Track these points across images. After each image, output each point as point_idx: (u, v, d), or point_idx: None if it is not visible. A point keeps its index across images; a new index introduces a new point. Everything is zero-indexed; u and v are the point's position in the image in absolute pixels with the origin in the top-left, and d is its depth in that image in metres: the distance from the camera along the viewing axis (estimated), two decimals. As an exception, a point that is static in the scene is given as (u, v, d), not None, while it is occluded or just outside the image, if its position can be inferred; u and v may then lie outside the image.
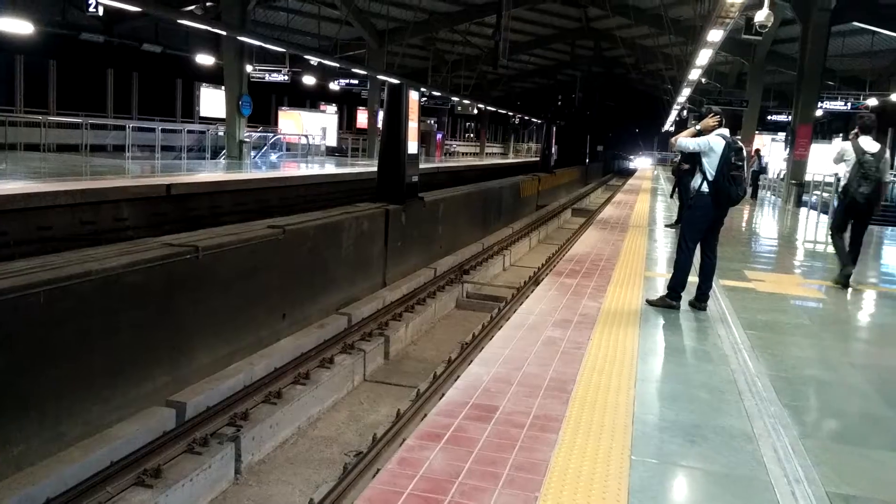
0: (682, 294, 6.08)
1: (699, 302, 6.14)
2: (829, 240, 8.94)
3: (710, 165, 5.78)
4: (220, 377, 6.19)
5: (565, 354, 4.61)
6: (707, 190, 5.83)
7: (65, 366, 5.02)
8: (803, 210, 17.70)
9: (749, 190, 22.92)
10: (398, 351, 8.49)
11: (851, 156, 7.40)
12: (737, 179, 5.74)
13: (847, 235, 7.76)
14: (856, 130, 7.53)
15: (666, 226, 12.66)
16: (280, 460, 5.71)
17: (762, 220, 16.75)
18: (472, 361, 4.64)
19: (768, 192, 23.49)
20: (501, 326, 5.64)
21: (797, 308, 6.67)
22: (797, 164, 18.31)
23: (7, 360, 4.59)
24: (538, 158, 32.64)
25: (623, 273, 7.65)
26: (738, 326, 5.64)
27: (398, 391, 7.20)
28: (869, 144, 7.36)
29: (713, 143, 5.80)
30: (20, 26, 15.18)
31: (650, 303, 6.17)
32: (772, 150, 27.65)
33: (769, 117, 31.20)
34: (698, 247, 6.10)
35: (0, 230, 8.67)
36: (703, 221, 6.00)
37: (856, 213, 7.62)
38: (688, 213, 6.27)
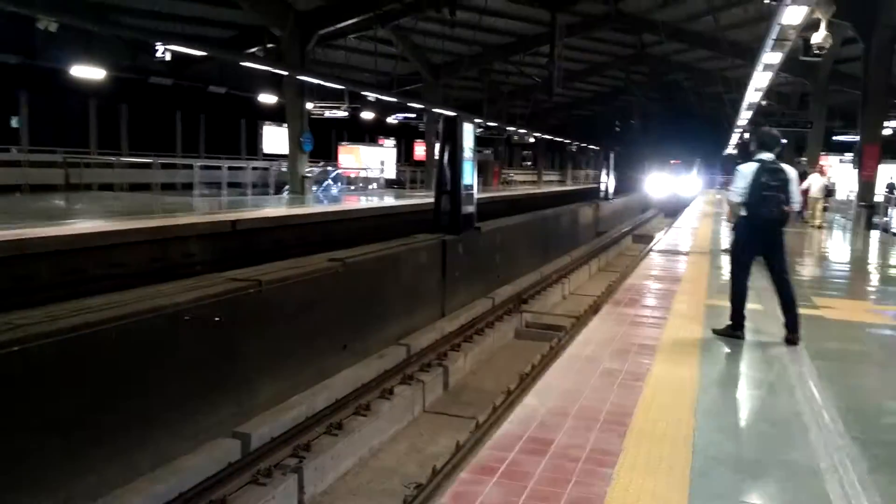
0: (746, 323, 5.95)
1: (790, 333, 5.82)
2: None
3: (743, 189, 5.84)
4: (282, 408, 6.34)
5: (623, 387, 4.56)
6: (744, 213, 5.88)
7: (135, 398, 5.23)
8: (874, 233, 17.05)
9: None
10: (457, 381, 8.51)
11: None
12: (767, 199, 5.69)
13: None
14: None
15: (723, 250, 12.35)
16: (342, 491, 5.78)
17: (831, 244, 16.21)
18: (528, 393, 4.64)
19: (837, 215, 22.74)
20: (560, 357, 5.62)
21: (867, 336, 6.44)
22: (865, 186, 17.62)
23: (82, 394, 4.82)
24: (596, 185, 32.44)
25: (684, 301, 7.53)
26: (805, 355, 5.48)
27: (458, 422, 7.21)
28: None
29: (743, 170, 5.83)
30: (93, 72, 16.14)
31: (716, 332, 6.05)
32: (839, 172, 26.89)
33: (834, 137, 30.32)
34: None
35: (79, 267, 9.11)
36: (745, 244, 5.99)
37: None
38: (733, 238, 6.27)
